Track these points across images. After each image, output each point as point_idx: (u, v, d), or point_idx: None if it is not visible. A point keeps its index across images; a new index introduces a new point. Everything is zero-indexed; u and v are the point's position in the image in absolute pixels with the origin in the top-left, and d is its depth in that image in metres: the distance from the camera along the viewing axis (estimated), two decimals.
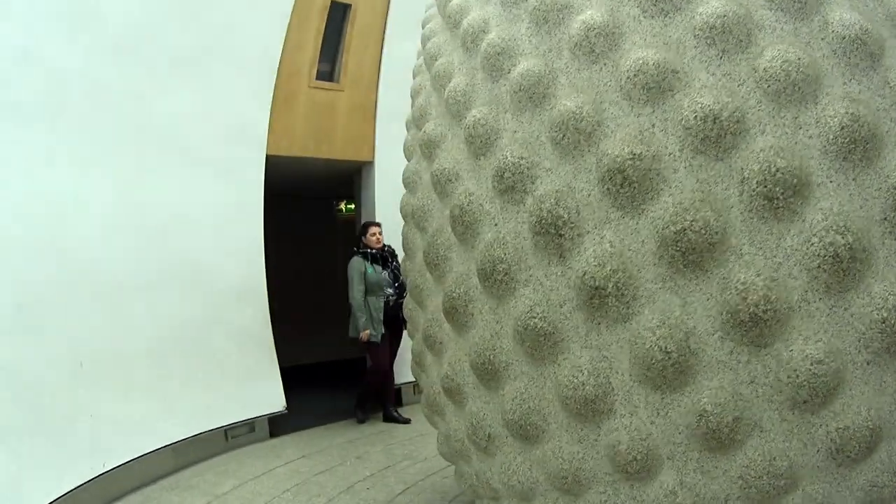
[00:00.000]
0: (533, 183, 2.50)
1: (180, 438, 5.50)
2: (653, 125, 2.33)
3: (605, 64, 2.43)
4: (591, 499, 2.53)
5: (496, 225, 2.58)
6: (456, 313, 2.74)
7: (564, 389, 2.41)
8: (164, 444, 5.32)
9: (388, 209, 7.21)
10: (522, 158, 2.50)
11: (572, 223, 2.38)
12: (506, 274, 2.50)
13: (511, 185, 2.48)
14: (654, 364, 2.25)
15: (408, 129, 4.01)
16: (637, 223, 2.31)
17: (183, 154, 5.84)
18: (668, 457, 2.38)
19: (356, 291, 6.38)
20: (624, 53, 2.40)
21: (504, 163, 2.51)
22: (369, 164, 7.70)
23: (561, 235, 2.39)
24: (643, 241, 2.31)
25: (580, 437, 2.48)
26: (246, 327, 6.31)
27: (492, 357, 2.62)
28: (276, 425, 6.46)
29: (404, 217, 3.79)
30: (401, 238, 3.76)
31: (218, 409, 5.96)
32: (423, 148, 3.24)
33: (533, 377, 2.55)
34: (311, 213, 10.55)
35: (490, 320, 2.63)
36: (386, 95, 7.41)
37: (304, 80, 6.89)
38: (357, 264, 6.48)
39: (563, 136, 2.41)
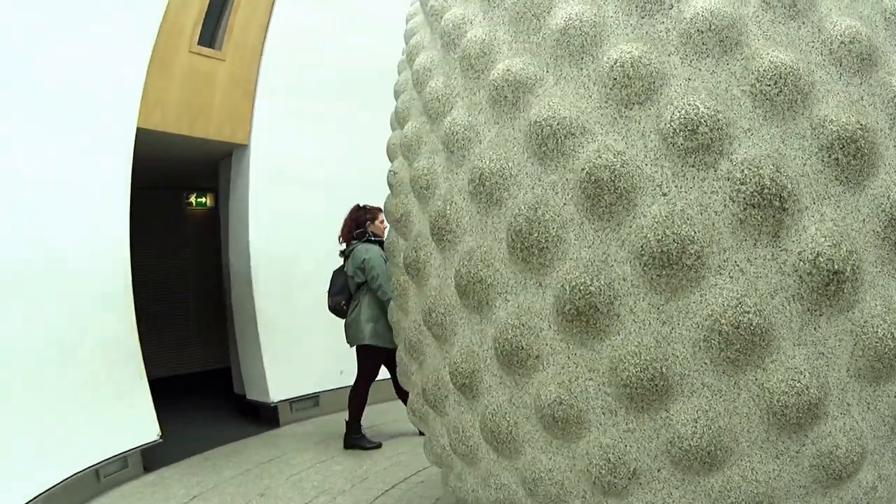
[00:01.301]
0: (731, 144, 1.92)
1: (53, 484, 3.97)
2: (861, 97, 2.01)
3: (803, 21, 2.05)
4: None
5: (665, 195, 1.93)
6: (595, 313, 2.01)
7: (780, 397, 1.85)
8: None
9: (262, 201, 6.15)
10: (714, 110, 1.91)
11: (795, 195, 1.84)
12: (697, 258, 1.87)
13: (702, 144, 1.88)
14: (885, 354, 1.87)
15: (392, 128, 3.44)
16: (858, 200, 1.91)
17: (52, 120, 4.28)
18: (871, 452, 2.00)
19: (389, 288, 4.45)
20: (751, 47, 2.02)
21: (694, 115, 1.90)
22: (243, 148, 6.39)
23: (784, 210, 1.83)
24: (864, 219, 1.92)
25: (778, 451, 1.93)
26: (112, 338, 4.71)
27: (661, 369, 1.92)
28: (151, 456, 4.95)
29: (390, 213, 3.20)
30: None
31: (88, 442, 4.38)
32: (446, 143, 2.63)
33: (720, 390, 1.93)
34: (157, 205, 8.48)
35: (654, 321, 1.95)
36: (269, 69, 6.24)
37: (185, 42, 5.46)
38: (381, 256, 5.04)
39: (778, 90, 1.93)
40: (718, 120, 1.94)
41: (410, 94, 2.93)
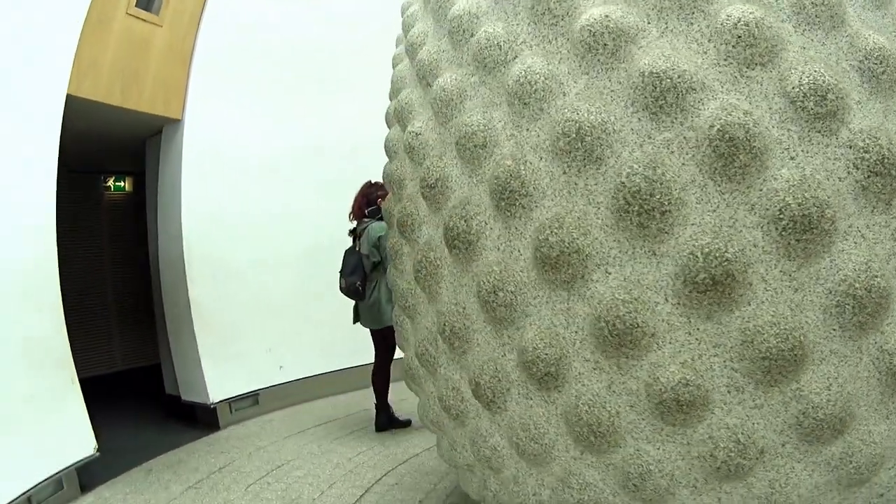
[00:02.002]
0: (848, 114, 1.88)
1: None
2: None
3: None
4: None
5: (793, 159, 1.84)
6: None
7: None
8: None
9: (196, 184, 5.52)
10: (836, 80, 1.92)
11: None
12: (832, 223, 1.79)
13: (829, 110, 1.84)
14: None
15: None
16: None
17: None
18: None
19: None
20: None
21: (822, 82, 1.86)
22: (175, 125, 5.68)
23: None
24: None
25: (889, 411, 1.89)
26: (37, 339, 3.98)
27: (799, 338, 1.80)
28: (88, 474, 4.22)
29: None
30: None
31: (16, 464, 3.66)
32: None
33: (845, 355, 1.86)
34: (69, 190, 7.17)
35: (786, 288, 1.83)
36: (207, 39, 5.55)
37: (122, 2, 4.72)
38: None
39: (883, 69, 1.92)
40: (841, 89, 1.89)
41: (436, 45, 2.56)
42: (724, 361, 1.92)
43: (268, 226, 6.05)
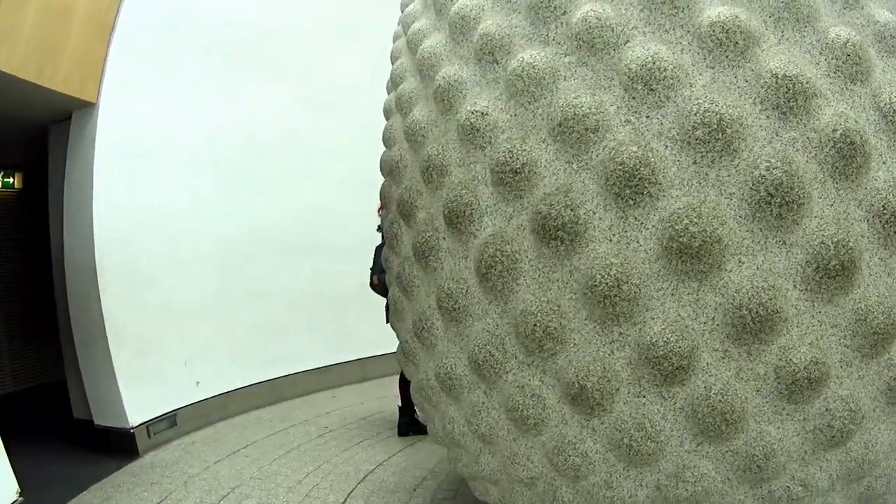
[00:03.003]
0: None
1: None
2: None
3: None
4: None
5: (885, 163, 2.08)
6: None
7: None
8: None
9: (110, 179, 4.79)
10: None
11: None
12: None
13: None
14: None
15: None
16: None
17: None
18: None
19: None
20: None
21: None
22: (88, 110, 4.78)
23: None
24: None
25: None
26: None
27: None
28: None
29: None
30: None
31: None
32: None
33: None
34: None
35: (882, 273, 2.04)
36: (132, 12, 4.87)
37: None
38: None
39: None
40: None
41: (504, 20, 2.41)
42: (839, 339, 2.04)
43: (185, 226, 5.44)
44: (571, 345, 2.24)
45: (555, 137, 2.23)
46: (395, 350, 6.66)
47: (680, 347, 2.06)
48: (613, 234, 2.16)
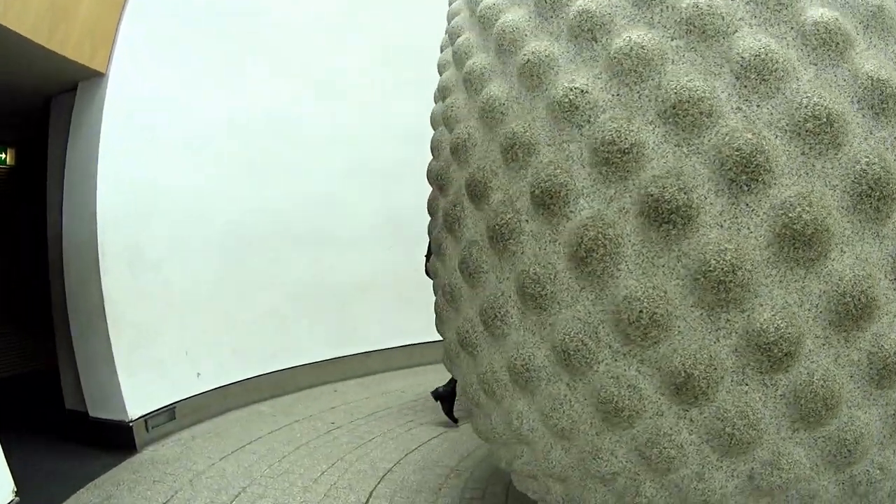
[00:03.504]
0: None
1: None
2: None
3: None
4: None
5: None
6: None
7: None
8: None
9: (115, 154, 4.48)
10: None
11: None
12: None
13: None
14: None
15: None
16: None
17: None
18: None
19: None
20: None
21: None
22: (97, 81, 4.48)
23: None
24: None
25: None
26: None
27: None
28: None
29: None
30: None
31: None
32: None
33: None
34: None
35: None
36: None
37: None
38: None
39: None
40: None
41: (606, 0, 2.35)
42: None
43: (189, 209, 5.19)
44: (675, 332, 2.17)
45: (665, 120, 2.18)
46: (397, 344, 6.60)
47: (789, 334, 2.06)
48: (724, 220, 2.13)
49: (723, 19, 2.19)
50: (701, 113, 2.13)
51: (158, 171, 4.89)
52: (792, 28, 2.19)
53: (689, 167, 2.15)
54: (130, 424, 4.47)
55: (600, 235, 2.25)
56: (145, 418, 4.60)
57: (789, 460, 2.17)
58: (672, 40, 2.24)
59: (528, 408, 2.60)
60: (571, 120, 2.35)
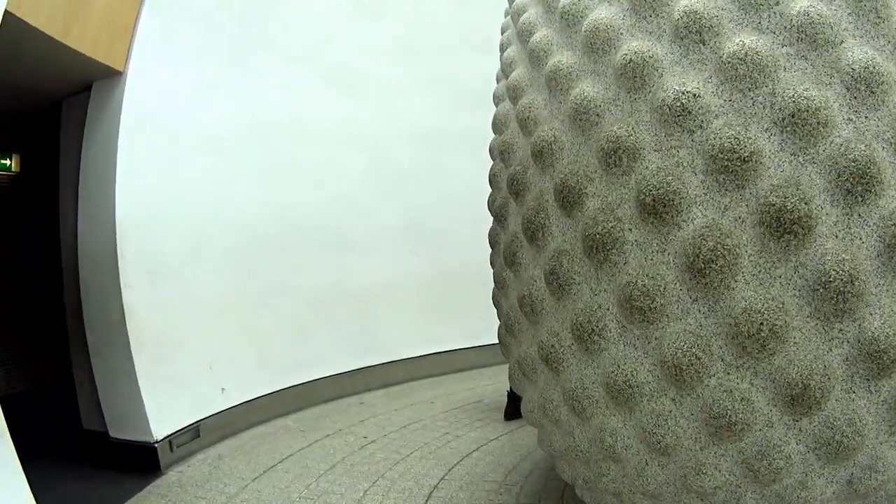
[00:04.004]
0: None
1: None
2: None
3: None
4: None
5: None
6: None
7: None
8: None
9: (132, 159, 4.26)
10: None
11: None
12: None
13: None
14: None
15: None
16: None
17: None
18: None
19: None
20: None
21: None
22: (114, 80, 4.26)
23: None
24: None
25: None
26: None
27: None
28: None
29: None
30: None
31: None
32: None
33: None
34: None
35: None
36: None
37: None
38: None
39: None
40: None
41: (712, 3, 2.33)
42: None
43: (208, 213, 5.01)
44: (791, 344, 2.16)
45: (782, 128, 2.17)
46: (421, 353, 6.48)
47: None
48: (839, 230, 2.15)
49: (831, 29, 2.20)
50: (818, 123, 2.14)
51: (177, 173, 4.70)
52: (889, 41, 2.24)
53: (805, 177, 2.15)
54: (155, 445, 4.28)
55: (719, 245, 2.20)
56: (170, 438, 4.42)
57: (885, 463, 2.24)
58: (782, 47, 2.23)
59: (623, 425, 2.53)
60: (683, 125, 2.29)
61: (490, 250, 3.59)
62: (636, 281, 2.35)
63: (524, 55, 3.00)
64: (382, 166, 6.26)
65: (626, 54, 2.42)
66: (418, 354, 6.45)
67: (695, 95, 2.27)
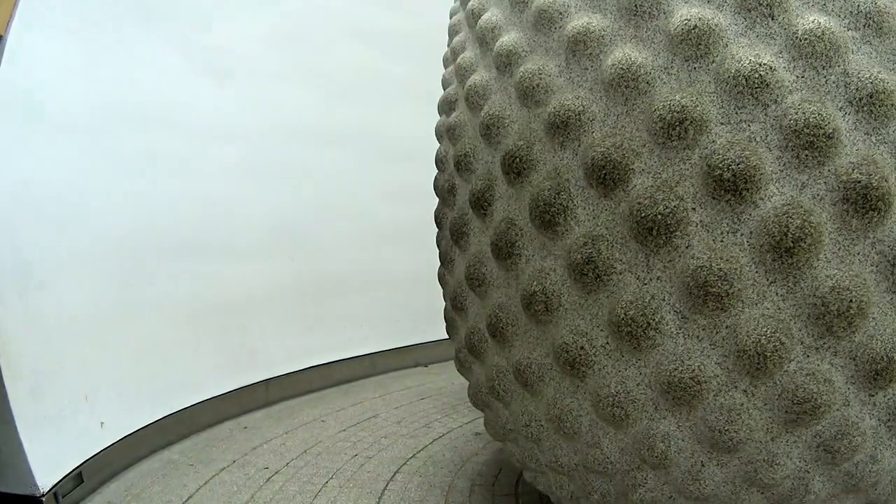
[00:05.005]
0: None
1: None
2: None
3: None
4: None
5: None
6: None
7: None
8: None
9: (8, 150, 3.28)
10: None
11: None
12: None
13: None
14: None
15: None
16: None
17: None
18: None
19: None
20: None
21: None
22: None
23: None
24: None
25: None
26: None
27: None
28: None
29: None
30: None
31: None
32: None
33: None
34: None
35: None
36: None
37: None
38: None
39: None
40: None
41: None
42: None
43: (78, 212, 3.86)
44: (870, 319, 2.10)
45: (858, 108, 2.11)
46: (300, 367, 5.69)
47: None
48: None
49: (893, 18, 2.18)
50: (892, 105, 2.10)
51: (46, 164, 3.58)
52: None
53: (879, 156, 2.09)
54: (42, 498, 3.20)
55: (806, 224, 2.06)
56: (55, 489, 3.32)
57: None
58: (848, 30, 2.18)
59: (677, 427, 2.27)
60: (759, 98, 2.12)
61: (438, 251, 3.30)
62: (710, 265, 2.10)
63: (530, 18, 2.61)
64: (257, 163, 5.46)
65: (689, 20, 2.18)
66: (297, 369, 5.70)
67: (771, 68, 2.11)
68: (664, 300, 2.19)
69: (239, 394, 5.12)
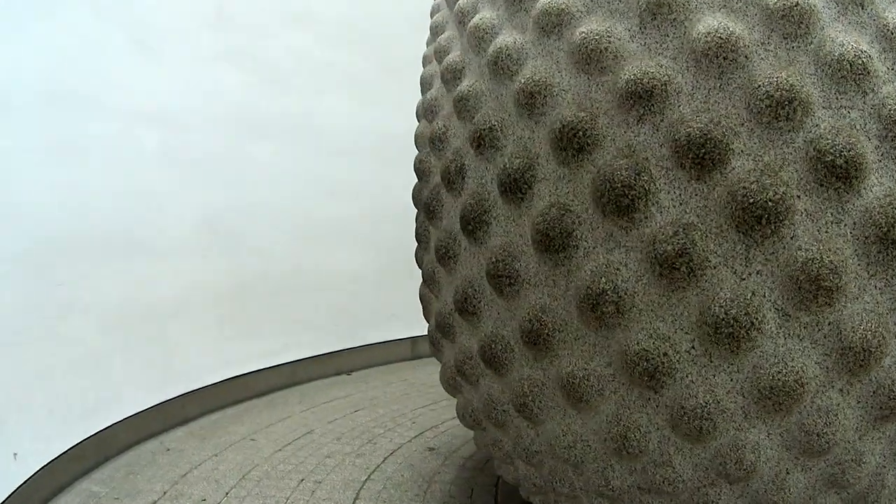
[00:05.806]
0: None
1: None
2: None
3: None
4: None
5: None
6: None
7: None
8: None
9: None
10: None
11: None
12: None
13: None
14: None
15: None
16: None
17: None
18: None
19: None
20: None
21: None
22: None
23: None
24: None
25: None
26: None
27: None
28: None
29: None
30: None
31: None
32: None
33: None
34: None
35: None
36: None
37: None
38: None
39: None
40: None
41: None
42: None
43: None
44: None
45: None
46: (221, 378, 4.93)
47: None
48: None
49: None
50: None
51: None
52: None
53: None
54: None
55: None
56: None
57: None
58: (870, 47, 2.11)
59: (767, 435, 2.08)
60: (860, 85, 2.02)
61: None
62: (821, 257, 1.95)
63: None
64: (179, 150, 4.69)
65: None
66: (216, 381, 4.96)
67: (871, 56, 2.04)
68: (765, 297, 1.98)
69: (157, 410, 4.32)
